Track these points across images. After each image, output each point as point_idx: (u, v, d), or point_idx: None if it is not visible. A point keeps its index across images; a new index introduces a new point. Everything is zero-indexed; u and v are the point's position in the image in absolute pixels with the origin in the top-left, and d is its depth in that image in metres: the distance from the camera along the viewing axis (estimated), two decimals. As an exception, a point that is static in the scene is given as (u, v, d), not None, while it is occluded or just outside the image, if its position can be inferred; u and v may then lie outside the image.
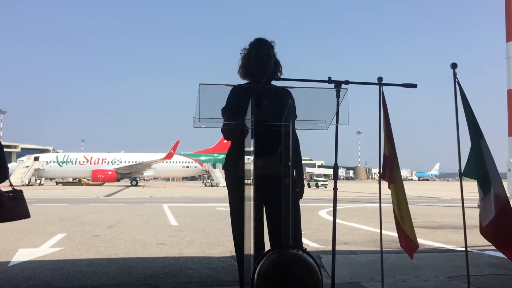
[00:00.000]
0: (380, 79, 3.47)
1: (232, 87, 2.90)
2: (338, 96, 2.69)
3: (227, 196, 3.11)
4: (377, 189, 3.65)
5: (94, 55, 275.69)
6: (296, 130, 2.92)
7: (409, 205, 3.53)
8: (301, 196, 3.01)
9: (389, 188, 3.59)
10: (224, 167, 3.16)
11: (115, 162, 50.32)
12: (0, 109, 65.04)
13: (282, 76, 3.11)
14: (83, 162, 50.18)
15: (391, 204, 3.60)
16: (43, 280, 4.34)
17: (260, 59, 2.99)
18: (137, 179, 49.98)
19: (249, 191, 2.58)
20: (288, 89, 2.88)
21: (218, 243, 6.87)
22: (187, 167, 54.35)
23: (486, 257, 5.54)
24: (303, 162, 3.35)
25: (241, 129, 2.74)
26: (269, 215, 2.94)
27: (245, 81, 3.11)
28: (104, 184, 47.71)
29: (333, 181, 2.91)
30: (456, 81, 3.33)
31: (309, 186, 43.41)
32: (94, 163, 49.99)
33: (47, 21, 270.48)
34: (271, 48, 3.04)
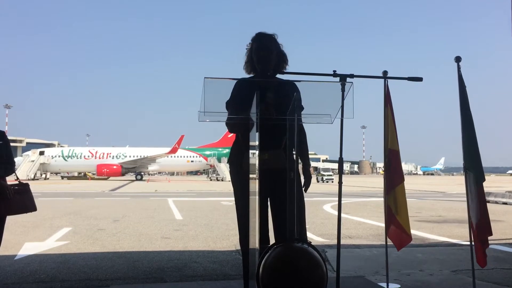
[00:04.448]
0: (385, 72, 3.45)
1: (237, 80, 2.89)
2: (343, 90, 2.68)
3: (231, 191, 3.11)
4: (382, 183, 3.63)
5: (99, 49, 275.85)
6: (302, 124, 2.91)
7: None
8: (306, 190, 3.00)
9: (395, 188, 3.50)
10: (229, 161, 3.15)
11: (120, 156, 50.46)
12: (5, 103, 65.49)
13: (288, 70, 3.09)
14: (88, 156, 50.37)
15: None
16: (49, 273, 4.37)
17: (259, 53, 2.97)
18: (142, 173, 50.11)
19: (254, 185, 2.57)
20: (294, 82, 2.87)
21: (222, 237, 6.89)
22: (192, 161, 54.45)
23: (490, 251, 5.51)
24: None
25: (245, 123, 2.74)
26: (274, 209, 2.94)
27: (250, 75, 3.10)
28: (109, 179, 47.89)
29: (338, 175, 2.90)
30: (460, 74, 3.31)
31: (317, 180, 43.33)
32: (99, 158, 50.16)
33: (52, 15, 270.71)
34: (273, 41, 3.01)
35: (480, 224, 3.13)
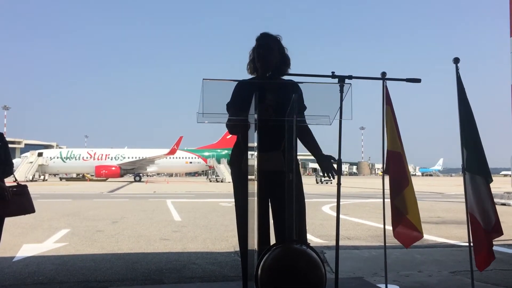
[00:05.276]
0: (383, 74, 3.46)
1: (237, 82, 2.89)
2: (341, 91, 2.68)
3: (230, 192, 3.11)
4: (381, 184, 3.63)
5: (96, 50, 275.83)
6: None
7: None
8: (333, 177, 2.91)
9: (403, 191, 3.47)
10: (230, 162, 3.15)
11: (118, 157, 50.38)
12: (4, 105, 65.53)
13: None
14: (87, 157, 50.29)
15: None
16: (48, 275, 4.36)
17: (259, 51, 2.97)
18: (141, 174, 50.00)
19: (254, 186, 2.58)
20: (296, 83, 2.86)
21: (221, 238, 6.89)
22: (191, 162, 54.39)
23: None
24: (306, 158, 3.36)
25: (245, 124, 2.74)
26: (274, 210, 2.94)
27: (252, 76, 3.09)
28: (108, 180, 47.82)
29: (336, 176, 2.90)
30: (458, 76, 3.31)
31: (316, 181, 43.34)
32: (98, 159, 50.06)
33: (51, 16, 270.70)
34: (275, 42, 3.00)
35: (494, 225, 3.14)
